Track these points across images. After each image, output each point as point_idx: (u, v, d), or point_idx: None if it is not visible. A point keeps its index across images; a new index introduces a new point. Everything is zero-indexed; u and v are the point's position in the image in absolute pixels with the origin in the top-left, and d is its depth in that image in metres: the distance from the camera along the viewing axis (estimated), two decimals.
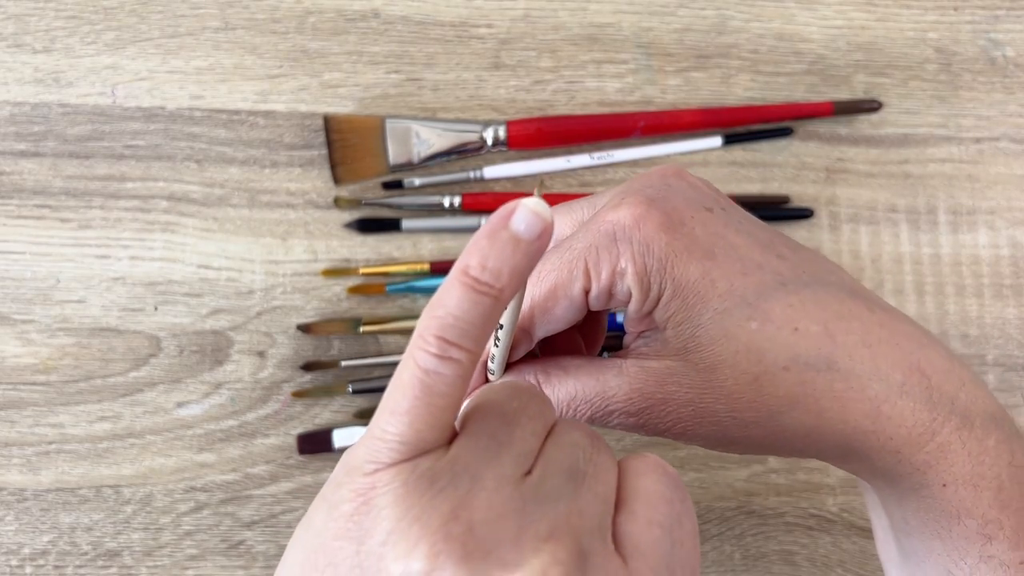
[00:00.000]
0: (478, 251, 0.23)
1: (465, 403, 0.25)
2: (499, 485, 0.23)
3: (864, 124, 0.51)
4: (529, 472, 0.24)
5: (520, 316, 0.31)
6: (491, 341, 0.30)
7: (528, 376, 0.32)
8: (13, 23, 0.49)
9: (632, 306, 0.31)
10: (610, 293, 0.31)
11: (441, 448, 0.23)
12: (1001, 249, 0.50)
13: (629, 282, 0.30)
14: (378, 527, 0.22)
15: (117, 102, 0.49)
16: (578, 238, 0.31)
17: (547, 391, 0.32)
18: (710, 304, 0.30)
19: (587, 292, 0.31)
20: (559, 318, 0.31)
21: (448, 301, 0.23)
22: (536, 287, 0.31)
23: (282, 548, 0.46)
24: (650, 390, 0.31)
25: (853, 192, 0.51)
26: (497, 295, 0.23)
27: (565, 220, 0.34)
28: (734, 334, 0.30)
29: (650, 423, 0.31)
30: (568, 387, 0.31)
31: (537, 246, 0.23)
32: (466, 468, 0.23)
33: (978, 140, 0.51)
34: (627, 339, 0.33)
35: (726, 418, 0.30)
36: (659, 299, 0.30)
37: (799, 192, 0.50)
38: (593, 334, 0.35)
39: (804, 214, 0.50)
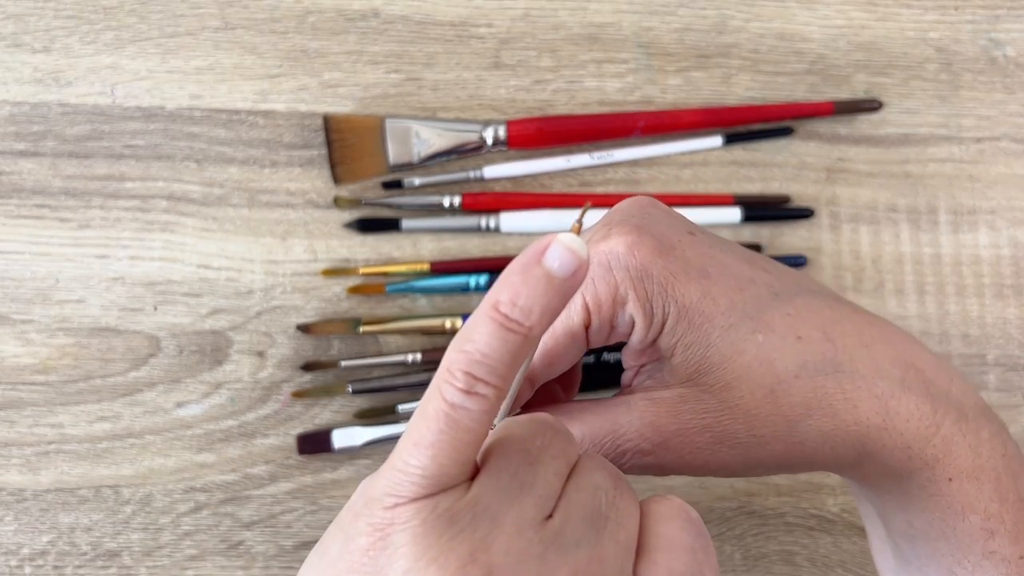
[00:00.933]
0: (510, 287, 0.23)
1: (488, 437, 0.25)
2: (520, 529, 0.23)
3: (864, 124, 0.51)
4: (551, 515, 0.23)
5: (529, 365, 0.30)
6: None
7: None
8: (12, 23, 0.49)
9: (636, 335, 0.30)
10: (611, 325, 0.30)
11: (462, 485, 0.23)
12: (1002, 249, 0.50)
13: (631, 310, 0.30)
14: (394, 566, 0.22)
15: (116, 102, 0.49)
16: None
17: None
18: (716, 322, 0.30)
19: (587, 327, 0.30)
20: (561, 359, 0.31)
21: (477, 337, 0.23)
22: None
23: (281, 548, 0.46)
24: (663, 422, 0.30)
25: (853, 192, 0.50)
26: (527, 333, 0.23)
27: None
28: (744, 349, 0.30)
29: (666, 459, 0.30)
30: (575, 430, 0.30)
31: (571, 284, 0.23)
32: (486, 509, 0.23)
33: (979, 140, 0.51)
34: (626, 377, 0.32)
35: (746, 438, 0.30)
36: (664, 324, 0.30)
37: (799, 192, 0.50)
38: (569, 378, 0.35)
39: (804, 214, 0.50)
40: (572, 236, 0.23)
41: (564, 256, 0.23)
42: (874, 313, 0.33)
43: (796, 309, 0.31)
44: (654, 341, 0.30)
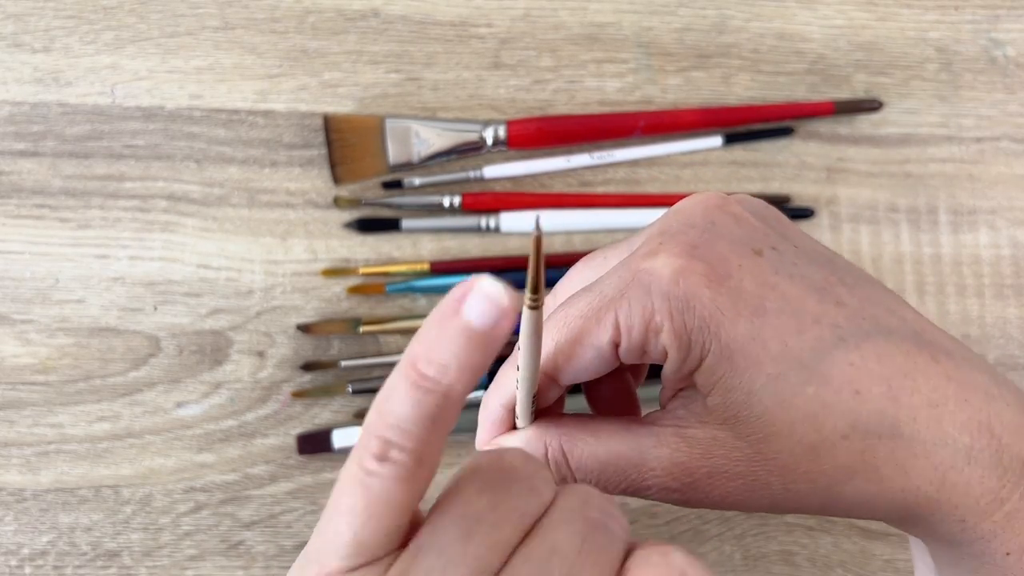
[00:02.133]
0: (426, 341, 0.21)
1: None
2: None
3: (865, 124, 0.51)
4: None
5: (545, 360, 0.29)
6: (513, 384, 0.29)
7: (550, 442, 0.29)
8: (12, 23, 0.49)
9: (669, 366, 0.28)
10: (643, 349, 0.28)
11: (387, 557, 0.21)
12: (1002, 249, 0.50)
13: (665, 341, 0.27)
14: None
15: (116, 102, 0.49)
16: (609, 283, 0.28)
17: (573, 458, 0.29)
18: (763, 368, 0.27)
19: (617, 345, 0.28)
20: (586, 368, 0.29)
21: (392, 395, 0.21)
22: (561, 332, 0.28)
23: (281, 548, 0.46)
24: (695, 464, 0.28)
25: (854, 192, 0.50)
26: (445, 392, 0.20)
27: (595, 272, 0.31)
28: (790, 402, 0.27)
29: (693, 496, 0.28)
30: (599, 454, 0.29)
31: (492, 336, 0.21)
32: None
33: (979, 140, 0.51)
34: (664, 396, 0.30)
35: (779, 491, 0.28)
36: (701, 361, 0.27)
37: (800, 192, 0.50)
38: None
39: (805, 214, 0.50)
40: (492, 282, 0.21)
41: (482, 307, 0.20)
42: (961, 357, 0.29)
43: (862, 357, 0.27)
44: (690, 375, 0.28)
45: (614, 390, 0.33)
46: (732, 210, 0.29)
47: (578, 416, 0.31)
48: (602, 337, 0.28)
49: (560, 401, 0.32)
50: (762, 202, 0.31)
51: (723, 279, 0.27)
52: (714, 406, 0.28)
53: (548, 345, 0.29)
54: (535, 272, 0.24)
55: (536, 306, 0.24)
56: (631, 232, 0.49)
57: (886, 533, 0.48)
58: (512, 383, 0.29)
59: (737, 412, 0.27)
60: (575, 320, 0.28)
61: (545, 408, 0.31)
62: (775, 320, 0.27)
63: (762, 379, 0.27)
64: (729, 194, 0.31)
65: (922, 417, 0.27)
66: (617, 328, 0.28)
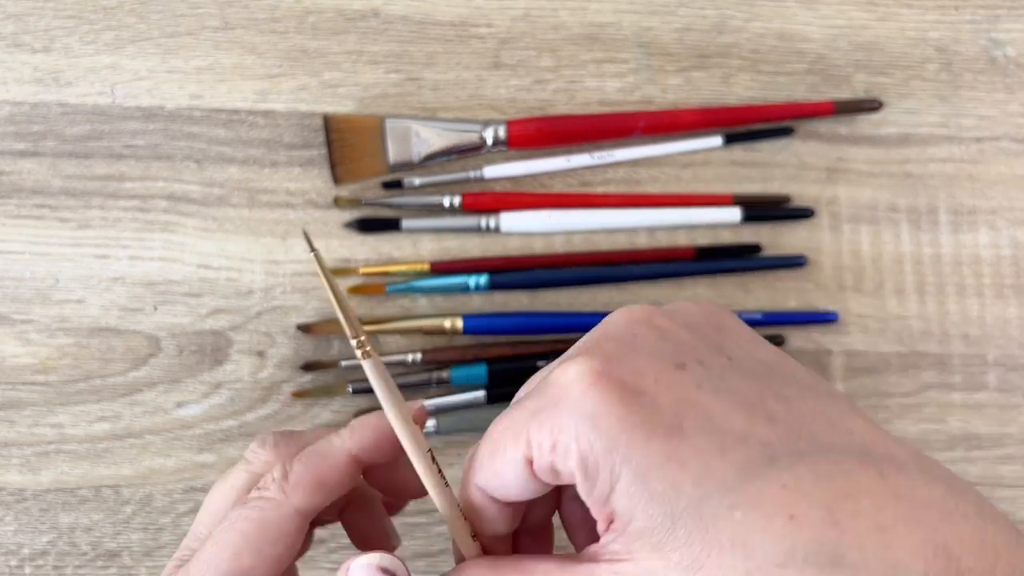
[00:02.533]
0: None
1: None
2: None
3: (865, 124, 0.51)
4: None
5: (473, 475, 0.28)
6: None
7: None
8: (12, 23, 0.49)
9: (580, 492, 0.26)
10: (555, 470, 0.26)
11: None
12: (1002, 249, 0.50)
13: (572, 464, 0.25)
14: None
15: (116, 102, 0.49)
16: (531, 395, 0.27)
17: None
18: (683, 491, 0.25)
19: (532, 463, 0.27)
20: (511, 486, 0.28)
21: None
22: (483, 446, 0.28)
23: None
24: None
25: (854, 192, 0.50)
26: None
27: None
28: (716, 526, 0.24)
29: None
30: None
31: None
32: None
33: (979, 140, 0.51)
34: (599, 527, 0.27)
35: None
36: (614, 486, 0.25)
37: (800, 192, 0.50)
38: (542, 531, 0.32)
39: (805, 214, 0.50)
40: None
41: None
42: (916, 469, 0.26)
43: (796, 478, 0.25)
44: (605, 501, 0.26)
45: (581, 518, 0.31)
46: (657, 323, 0.28)
47: (519, 556, 0.30)
48: (517, 453, 0.27)
49: (547, 537, 0.32)
50: (707, 309, 0.29)
51: (635, 395, 0.25)
52: (639, 533, 0.25)
53: (473, 459, 0.29)
54: (341, 310, 0.22)
55: (368, 354, 0.23)
56: (631, 232, 0.49)
57: None
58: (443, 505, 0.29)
59: (662, 540, 0.25)
60: (496, 433, 0.28)
61: (519, 540, 0.31)
62: (695, 439, 0.25)
63: (683, 502, 0.25)
64: (670, 304, 0.30)
65: (869, 543, 0.24)
66: (529, 445, 0.26)
